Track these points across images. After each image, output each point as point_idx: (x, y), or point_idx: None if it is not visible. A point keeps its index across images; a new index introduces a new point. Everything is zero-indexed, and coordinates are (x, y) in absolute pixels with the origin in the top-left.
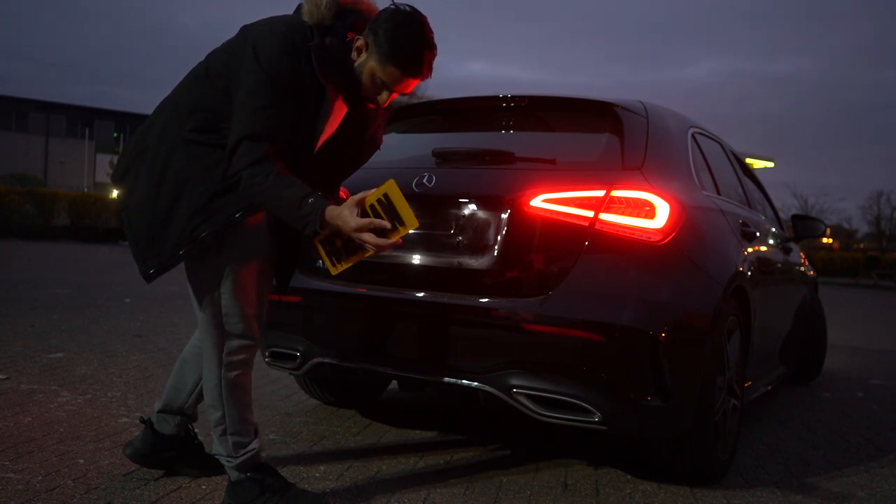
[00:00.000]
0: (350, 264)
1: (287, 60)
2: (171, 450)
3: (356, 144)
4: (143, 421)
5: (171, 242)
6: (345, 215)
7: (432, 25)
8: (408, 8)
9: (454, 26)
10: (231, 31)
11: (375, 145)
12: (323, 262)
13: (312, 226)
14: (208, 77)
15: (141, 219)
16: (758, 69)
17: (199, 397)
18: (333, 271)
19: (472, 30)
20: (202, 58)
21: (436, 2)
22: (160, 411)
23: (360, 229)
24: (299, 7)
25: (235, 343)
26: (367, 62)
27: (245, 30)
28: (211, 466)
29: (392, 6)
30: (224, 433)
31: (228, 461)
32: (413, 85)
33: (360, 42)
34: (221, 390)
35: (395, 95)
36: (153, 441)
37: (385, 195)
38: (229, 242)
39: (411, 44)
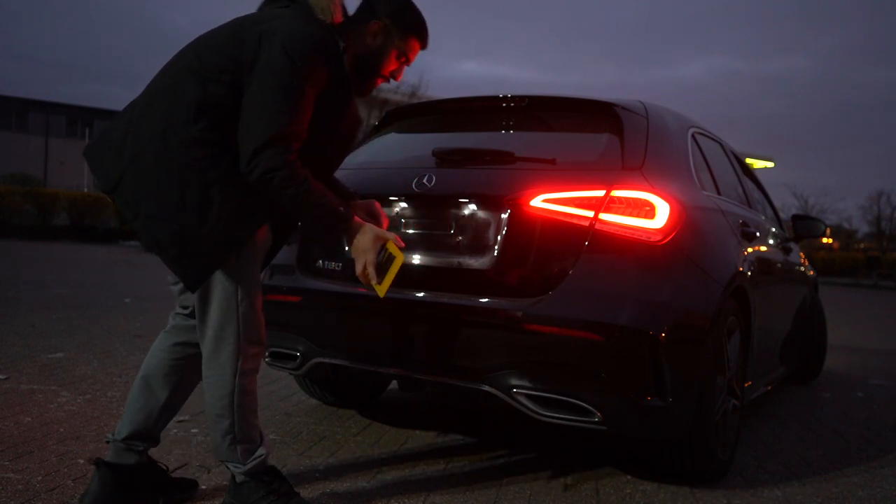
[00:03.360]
0: (391, 280)
1: (319, 59)
2: (136, 483)
3: (354, 127)
4: (94, 463)
5: (210, 246)
6: (370, 235)
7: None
8: None
9: (446, 26)
10: None
11: (361, 121)
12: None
13: (343, 234)
14: (208, 72)
15: (164, 228)
16: (752, 68)
17: (170, 415)
18: (382, 292)
19: (464, 30)
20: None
21: (428, 1)
22: (127, 439)
23: (369, 252)
24: (294, 3)
25: (252, 350)
26: (387, 44)
27: (257, 22)
28: (181, 489)
29: None
30: (234, 442)
31: (237, 467)
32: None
33: (375, 27)
34: (234, 399)
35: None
36: (114, 479)
37: (391, 256)
38: (248, 245)
39: (419, 15)
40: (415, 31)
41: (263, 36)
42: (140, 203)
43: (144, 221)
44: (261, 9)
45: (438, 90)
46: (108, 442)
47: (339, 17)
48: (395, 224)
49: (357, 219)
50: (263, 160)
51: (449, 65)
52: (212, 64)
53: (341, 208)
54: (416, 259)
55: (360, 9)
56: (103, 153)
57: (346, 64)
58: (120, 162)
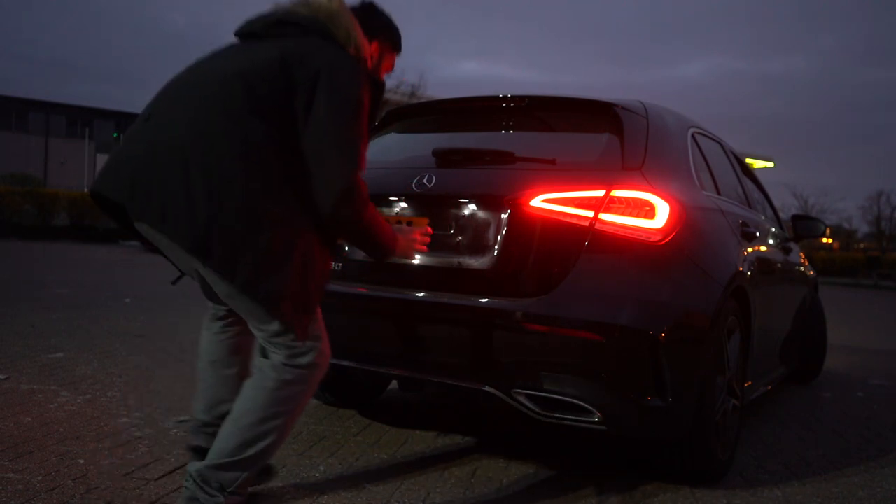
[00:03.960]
0: None
1: (368, 90)
2: None
3: None
4: (192, 449)
5: (310, 287)
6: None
7: (423, 26)
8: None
9: (445, 26)
10: (223, 30)
11: None
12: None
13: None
14: (265, 110)
15: (269, 284)
16: (751, 68)
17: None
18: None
19: (463, 30)
20: (197, 57)
21: (427, 1)
22: (211, 423)
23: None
24: (314, 32)
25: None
26: (381, 62)
27: (306, 56)
28: (260, 473)
29: (362, 3)
30: (248, 465)
31: (214, 498)
32: None
33: (373, 48)
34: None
35: None
36: None
37: None
38: None
39: (399, 31)
40: (399, 48)
41: (322, 72)
42: (237, 264)
43: (244, 284)
44: (278, 35)
45: (438, 90)
46: (193, 428)
47: (368, 60)
48: (395, 224)
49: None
50: (350, 201)
51: (448, 64)
52: (267, 101)
53: (389, 233)
54: (416, 259)
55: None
56: (157, 206)
57: None
58: (195, 221)
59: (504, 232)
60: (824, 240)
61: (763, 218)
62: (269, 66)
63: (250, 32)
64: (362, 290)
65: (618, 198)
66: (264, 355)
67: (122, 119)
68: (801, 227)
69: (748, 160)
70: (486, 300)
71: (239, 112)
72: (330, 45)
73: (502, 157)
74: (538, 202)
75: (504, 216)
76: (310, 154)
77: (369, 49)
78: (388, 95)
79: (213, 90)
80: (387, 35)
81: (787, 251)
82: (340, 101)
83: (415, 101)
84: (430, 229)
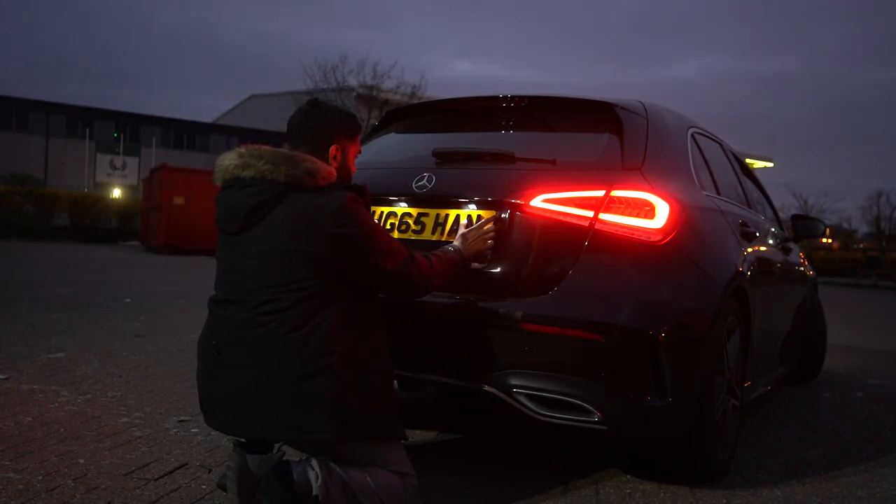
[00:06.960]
0: None
1: (363, 205)
2: None
3: None
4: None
5: None
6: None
7: (419, 25)
8: (316, 99)
9: (441, 26)
10: (219, 30)
11: None
12: None
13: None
14: (303, 289)
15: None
16: (747, 68)
17: None
18: None
19: (458, 30)
20: (198, 59)
21: (422, 1)
22: None
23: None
24: (297, 159)
25: None
26: (345, 156)
27: (307, 231)
28: None
29: (310, 106)
30: None
31: None
32: None
33: (333, 150)
34: None
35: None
36: None
37: None
38: None
39: (355, 117)
40: (358, 131)
41: (328, 239)
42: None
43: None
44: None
45: (437, 90)
46: None
47: (332, 173)
48: (395, 224)
49: (458, 245)
50: (418, 290)
51: (445, 64)
52: (295, 282)
53: (456, 257)
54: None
55: (310, 138)
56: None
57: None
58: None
59: (504, 232)
60: (824, 240)
61: (763, 218)
62: (278, 257)
63: None
64: None
65: (618, 198)
66: None
67: (122, 119)
68: (801, 227)
69: (748, 160)
70: (486, 300)
71: (277, 315)
72: (316, 197)
73: (502, 157)
74: (538, 202)
75: (504, 216)
76: (377, 284)
77: (327, 153)
78: (388, 95)
79: (244, 301)
80: (345, 132)
81: (786, 251)
82: (359, 245)
83: (415, 101)
84: (492, 222)
